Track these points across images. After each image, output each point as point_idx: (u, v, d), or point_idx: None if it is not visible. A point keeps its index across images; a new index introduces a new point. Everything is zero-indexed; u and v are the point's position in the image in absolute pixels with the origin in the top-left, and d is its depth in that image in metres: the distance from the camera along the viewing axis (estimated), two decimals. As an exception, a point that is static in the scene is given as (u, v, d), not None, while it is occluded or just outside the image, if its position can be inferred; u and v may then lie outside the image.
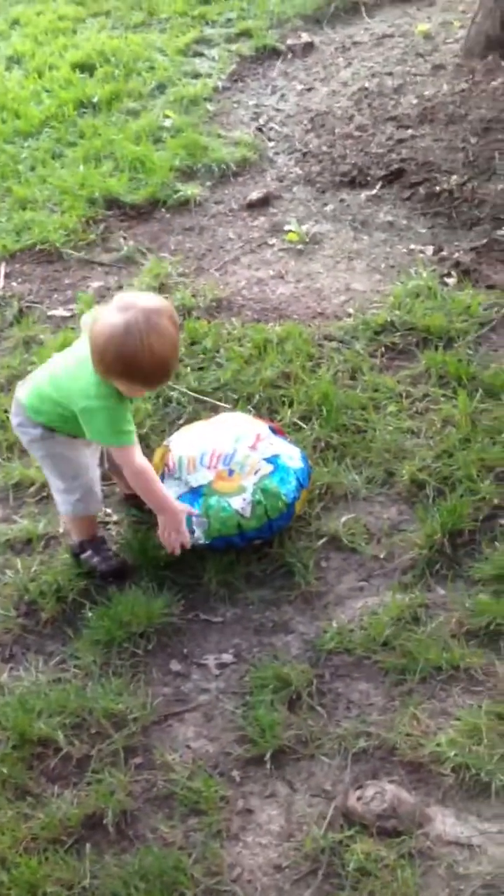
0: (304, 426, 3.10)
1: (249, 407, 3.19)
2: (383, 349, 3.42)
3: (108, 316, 2.36)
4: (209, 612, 2.58)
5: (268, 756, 2.21)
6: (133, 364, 2.34)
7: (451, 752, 2.16)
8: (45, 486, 2.99)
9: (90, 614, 2.58)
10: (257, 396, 3.23)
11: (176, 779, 2.18)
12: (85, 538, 2.71)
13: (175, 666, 2.46)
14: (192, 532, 2.61)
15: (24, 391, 2.62)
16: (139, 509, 2.84)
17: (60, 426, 2.56)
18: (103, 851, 2.05)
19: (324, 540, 2.73)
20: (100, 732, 2.29)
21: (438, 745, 2.18)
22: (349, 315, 3.62)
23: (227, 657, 2.47)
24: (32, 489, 3.01)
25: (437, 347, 3.37)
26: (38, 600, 2.63)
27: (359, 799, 2.08)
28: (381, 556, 2.69)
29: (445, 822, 2.06)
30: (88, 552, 2.71)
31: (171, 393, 3.25)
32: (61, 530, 2.84)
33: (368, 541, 2.73)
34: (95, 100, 5.09)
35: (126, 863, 2.01)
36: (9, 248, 4.14)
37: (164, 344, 2.35)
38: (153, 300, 2.43)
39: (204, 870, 1.99)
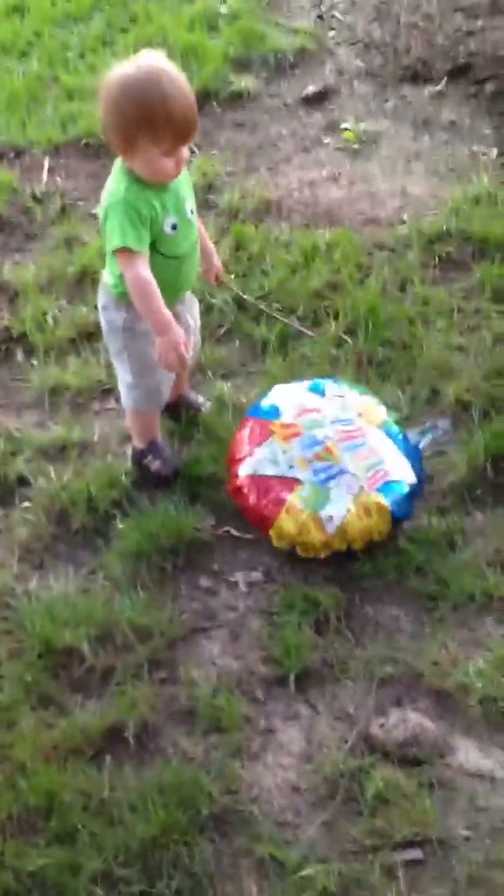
0: (349, 339, 2.99)
1: (294, 316, 3.08)
2: (437, 259, 3.27)
3: (119, 69, 2.19)
4: (241, 529, 2.53)
5: (292, 677, 2.19)
6: (156, 105, 2.13)
7: (479, 683, 2.12)
8: (81, 391, 2.95)
9: (121, 526, 2.55)
10: (302, 307, 3.12)
11: (199, 695, 2.17)
12: (145, 443, 2.64)
13: (204, 582, 2.44)
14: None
15: (106, 270, 2.46)
16: (175, 419, 2.78)
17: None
18: (123, 763, 2.06)
19: (362, 459, 2.65)
20: (125, 645, 2.28)
21: (466, 674, 2.14)
22: (403, 222, 3.46)
23: (256, 575, 2.43)
24: (69, 395, 2.96)
25: (493, 259, 3.21)
26: (69, 508, 2.60)
27: (381, 726, 2.06)
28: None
29: (468, 754, 2.03)
30: (149, 457, 2.64)
31: (213, 300, 3.15)
32: (95, 439, 2.80)
33: (408, 461, 2.64)
34: (149, -18, 4.85)
35: (145, 776, 2.02)
36: (53, 141, 4.00)
37: (185, 86, 2.18)
38: (163, 56, 2.25)
39: (222, 787, 1.99)
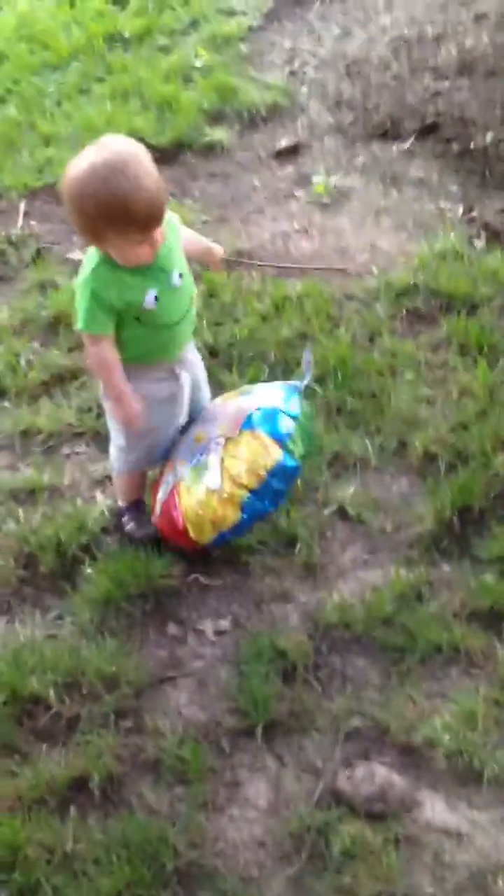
0: (318, 389, 3.02)
1: (264, 365, 3.11)
2: (405, 312, 3.33)
3: (79, 163, 2.10)
4: (209, 576, 2.54)
5: (259, 728, 2.18)
6: (117, 203, 2.06)
7: (445, 737, 2.13)
8: (52, 435, 2.95)
9: (89, 571, 2.54)
10: (273, 355, 3.15)
11: (165, 746, 2.15)
12: (126, 503, 2.65)
13: (171, 629, 2.43)
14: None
15: None
16: None
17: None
18: (87, 815, 2.04)
19: (331, 509, 2.67)
20: (92, 693, 2.26)
21: (433, 729, 2.15)
22: (372, 274, 3.52)
23: (224, 624, 2.44)
24: (40, 437, 2.96)
25: (459, 313, 3.27)
26: (37, 553, 2.59)
27: (348, 779, 2.06)
28: (388, 528, 2.63)
29: (435, 809, 2.03)
30: (126, 517, 2.65)
31: (185, 347, 3.17)
32: (66, 482, 2.80)
33: (376, 513, 2.67)
34: (126, 34, 4.93)
35: (109, 829, 2.00)
36: (29, 186, 4.04)
37: (146, 177, 2.08)
38: (123, 139, 2.19)
39: (187, 841, 1.98)
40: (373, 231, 3.78)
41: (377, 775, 2.04)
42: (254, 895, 1.90)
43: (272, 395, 2.55)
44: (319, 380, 3.05)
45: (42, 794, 2.05)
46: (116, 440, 2.56)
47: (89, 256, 2.27)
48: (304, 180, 4.08)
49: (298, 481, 2.63)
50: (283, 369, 3.11)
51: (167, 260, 2.29)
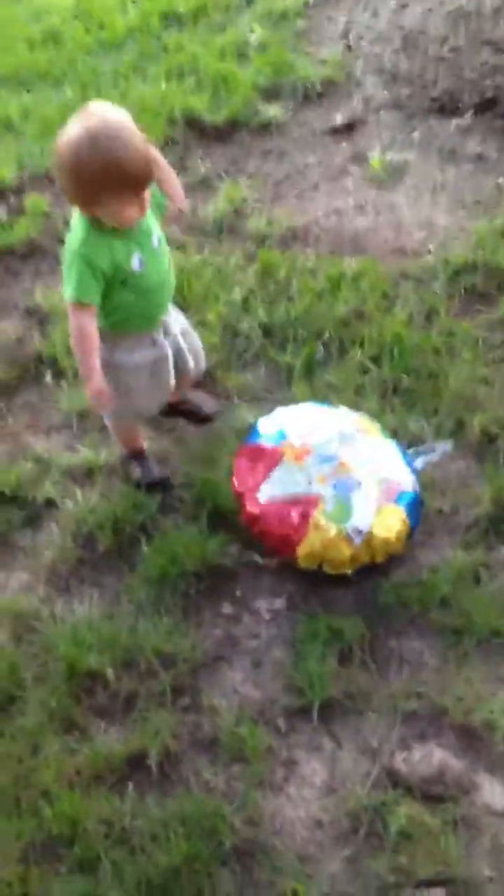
0: (374, 367, 3.00)
1: (319, 345, 3.09)
2: (462, 291, 3.27)
3: (69, 131, 2.17)
4: (264, 556, 2.53)
5: (315, 708, 2.19)
6: (110, 166, 2.13)
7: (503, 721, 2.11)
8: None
9: (146, 549, 2.56)
10: (328, 333, 3.13)
11: (221, 724, 2.17)
12: (127, 450, 2.73)
13: (227, 608, 2.44)
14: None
15: None
16: (187, 417, 2.85)
17: (102, 324, 2.40)
18: (145, 792, 2.06)
19: (387, 490, 2.65)
20: (149, 671, 2.28)
21: (491, 711, 2.13)
22: (429, 252, 3.47)
23: (279, 603, 2.44)
24: (96, 418, 2.97)
25: (519, 292, 3.21)
26: (95, 532, 2.62)
27: (405, 760, 2.05)
28: (446, 510, 2.61)
29: (493, 792, 2.02)
30: (132, 464, 2.73)
31: (240, 325, 3.16)
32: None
33: (434, 493, 2.64)
34: (181, 11, 4.89)
35: (167, 805, 2.02)
36: (84, 166, 4.04)
37: (136, 139, 2.16)
38: (108, 105, 2.25)
39: (244, 819, 1.99)
40: (430, 208, 3.72)
41: (434, 757, 2.04)
42: (311, 873, 1.91)
43: (405, 473, 2.54)
44: (375, 358, 3.03)
45: (100, 770, 2.08)
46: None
47: (76, 224, 2.32)
48: (359, 157, 4.02)
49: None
50: (338, 347, 3.09)
51: (147, 224, 2.38)
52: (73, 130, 2.17)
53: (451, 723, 2.14)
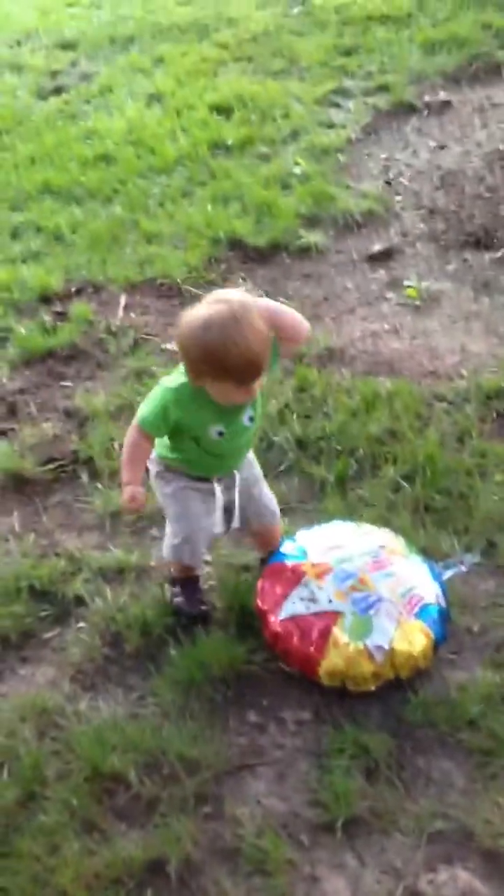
0: (406, 485, 3.04)
1: (352, 460, 3.15)
2: (494, 415, 3.35)
3: (194, 311, 2.29)
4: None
5: (339, 824, 2.14)
6: (218, 353, 2.22)
7: (532, 847, 2.06)
8: (141, 517, 3.01)
9: (173, 652, 2.56)
10: (361, 451, 3.19)
11: (243, 834, 2.13)
12: (179, 576, 2.71)
13: (252, 717, 2.42)
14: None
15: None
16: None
17: (165, 454, 2.53)
18: (163, 900, 2.01)
19: (417, 606, 2.66)
20: (172, 775, 2.26)
21: (519, 836, 2.09)
22: (462, 377, 3.56)
23: (305, 715, 2.42)
24: (129, 519, 3.02)
25: (550, 419, 3.28)
26: (123, 632, 2.63)
27: (430, 882, 2.00)
28: (475, 628, 2.61)
29: (520, 921, 1.96)
30: (177, 589, 2.70)
31: (275, 438, 3.23)
32: (153, 563, 2.84)
33: (463, 612, 2.64)
34: (229, 142, 5.18)
35: (185, 916, 1.97)
36: (130, 280, 4.21)
37: (251, 335, 2.21)
38: (242, 295, 2.33)
39: (264, 935, 1.94)
40: (463, 335, 3.84)
41: (460, 880, 1.99)
42: None
43: (429, 586, 2.54)
44: (407, 476, 3.08)
45: (119, 874, 2.04)
46: (167, 525, 2.63)
47: (180, 370, 2.41)
48: (395, 284, 4.18)
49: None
50: (371, 464, 3.15)
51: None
52: (198, 310, 2.28)
53: (478, 846, 2.09)
